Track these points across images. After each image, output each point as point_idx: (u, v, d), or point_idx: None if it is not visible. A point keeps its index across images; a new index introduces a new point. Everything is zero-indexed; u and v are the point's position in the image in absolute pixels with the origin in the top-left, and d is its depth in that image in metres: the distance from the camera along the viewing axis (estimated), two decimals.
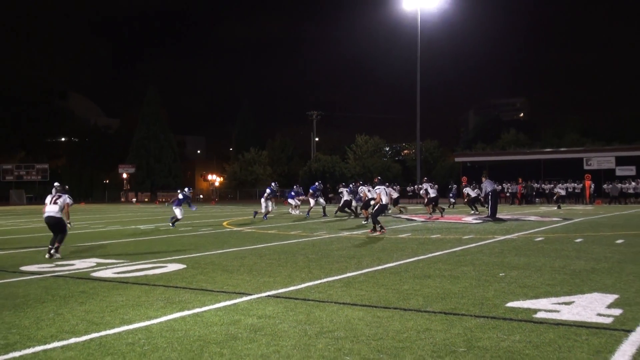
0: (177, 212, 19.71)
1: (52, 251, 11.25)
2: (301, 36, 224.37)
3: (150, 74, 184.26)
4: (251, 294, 7.23)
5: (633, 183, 42.38)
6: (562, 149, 56.83)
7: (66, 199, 11.74)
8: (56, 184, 12.53)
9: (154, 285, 8.00)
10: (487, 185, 22.28)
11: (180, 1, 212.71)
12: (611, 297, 6.68)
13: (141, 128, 79.90)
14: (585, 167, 50.31)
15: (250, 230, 18.16)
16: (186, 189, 27.61)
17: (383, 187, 16.81)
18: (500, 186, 26.14)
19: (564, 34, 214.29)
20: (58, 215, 11.55)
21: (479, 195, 27.61)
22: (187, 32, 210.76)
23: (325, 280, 8.25)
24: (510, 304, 6.39)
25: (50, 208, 11.62)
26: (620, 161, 51.45)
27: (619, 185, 42.12)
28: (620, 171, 49.64)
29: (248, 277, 8.53)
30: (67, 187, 12.52)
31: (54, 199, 11.71)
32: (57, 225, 11.52)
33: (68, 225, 11.85)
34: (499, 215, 21.98)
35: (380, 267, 9.38)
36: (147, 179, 77.24)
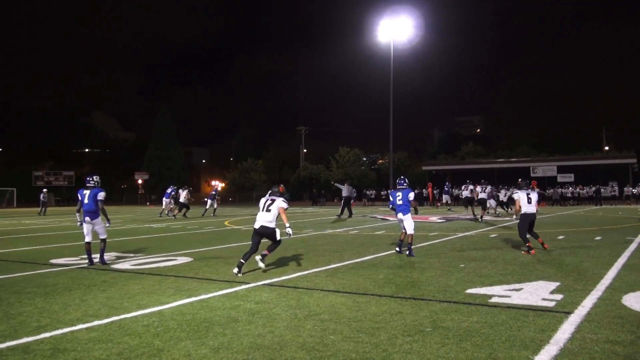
0: (164, 202, 19.49)
1: (257, 259, 8.34)
2: (293, 63, 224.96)
3: (163, 95, 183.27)
4: (249, 283, 7.21)
5: (570, 188, 42.81)
6: (513, 159, 57.29)
7: (281, 203, 8.53)
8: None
9: (165, 275, 7.96)
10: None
11: (193, 39, 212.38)
12: (554, 285, 6.74)
13: (154, 141, 79.56)
14: (532, 175, 50.80)
15: (248, 228, 18.09)
16: (169, 188, 27.56)
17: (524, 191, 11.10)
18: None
19: (515, 59, 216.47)
20: (272, 225, 8.45)
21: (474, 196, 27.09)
22: (198, 61, 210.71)
23: (312, 270, 8.24)
24: (469, 291, 6.43)
25: (263, 216, 8.47)
26: (561, 170, 52.05)
27: (560, 190, 42.55)
28: (561, 178, 50.22)
29: (246, 268, 8.50)
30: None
31: (267, 204, 8.55)
32: (270, 235, 8.48)
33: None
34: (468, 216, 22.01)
35: (359, 260, 9.39)
36: (159, 184, 76.68)
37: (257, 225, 8.45)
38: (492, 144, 77.92)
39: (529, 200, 10.67)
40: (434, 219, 21.81)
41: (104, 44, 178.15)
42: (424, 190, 45.55)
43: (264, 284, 7.12)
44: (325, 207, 41.40)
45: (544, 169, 52.09)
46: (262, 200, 8.69)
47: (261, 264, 8.25)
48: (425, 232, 14.91)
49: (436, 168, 60.12)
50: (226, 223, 21.04)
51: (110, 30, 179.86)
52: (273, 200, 8.55)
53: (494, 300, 5.91)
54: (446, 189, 33.68)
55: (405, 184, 10.43)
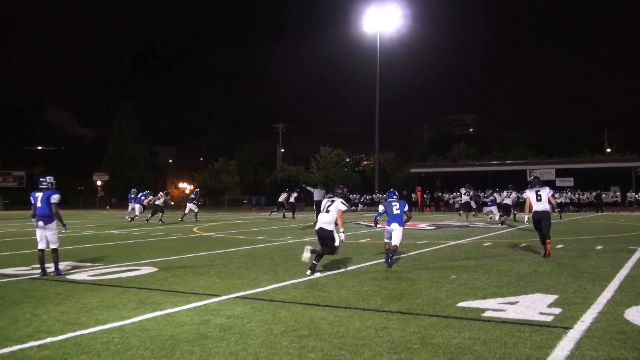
0: (136, 208, 19.62)
1: (311, 264, 8.90)
2: (270, 56, 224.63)
3: (126, 88, 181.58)
4: (220, 295, 7.17)
5: (569, 193, 43.39)
6: (508, 162, 57.93)
7: (340, 204, 9.01)
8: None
9: (127, 287, 7.88)
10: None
11: (159, 25, 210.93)
12: (552, 297, 6.82)
13: (115, 138, 78.80)
14: (529, 179, 51.35)
15: (219, 235, 18.02)
16: (132, 191, 27.64)
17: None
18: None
19: (512, 57, 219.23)
20: (330, 227, 8.96)
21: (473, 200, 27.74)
22: (165, 52, 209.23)
23: (290, 282, 8.23)
24: (460, 304, 6.47)
25: (323, 217, 9.04)
26: (559, 173, 52.75)
27: (558, 195, 43.08)
28: (560, 182, 50.87)
29: (217, 280, 8.47)
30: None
31: (327, 205, 9.09)
32: (329, 238, 8.98)
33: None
34: (454, 222, 22.23)
35: (341, 270, 9.39)
36: (120, 186, 75.93)
37: (317, 227, 9.19)
38: (486, 145, 78.77)
39: (538, 198, 11.13)
40: (423, 225, 21.97)
41: (61, 33, 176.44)
42: (412, 194, 45.87)
43: (236, 297, 7.09)
44: (304, 212, 41.37)
45: (542, 172, 52.70)
46: (324, 201, 9.34)
47: (307, 255, 8.85)
48: (413, 240, 14.99)
49: (425, 170, 60.57)
50: (195, 229, 20.92)
51: (67, 17, 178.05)
52: (333, 201, 9.13)
53: (487, 314, 5.96)
54: (465, 192, 29.23)
55: (395, 197, 10.61)
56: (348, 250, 12.74)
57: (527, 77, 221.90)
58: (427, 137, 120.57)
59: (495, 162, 58.84)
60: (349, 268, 9.67)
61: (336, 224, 9.00)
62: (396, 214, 10.21)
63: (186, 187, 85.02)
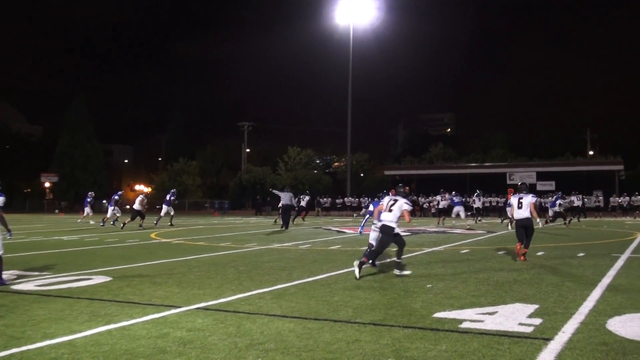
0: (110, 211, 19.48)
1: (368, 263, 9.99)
2: (236, 49, 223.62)
3: (78, 82, 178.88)
4: (180, 307, 7.12)
5: (551, 197, 44.10)
6: (487, 164, 58.76)
7: (405, 205, 10.08)
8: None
9: (78, 298, 7.76)
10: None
11: (113, 13, 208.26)
12: (532, 307, 6.93)
13: (65, 136, 77.47)
14: (509, 182, 52.09)
15: (179, 241, 17.88)
16: (90, 194, 27.57)
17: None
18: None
19: (493, 55, 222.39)
20: (393, 224, 10.02)
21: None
22: (121, 43, 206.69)
23: (255, 292, 8.21)
24: (437, 315, 6.54)
25: (386, 216, 10.07)
26: (540, 176, 53.64)
27: (539, 199, 43.77)
28: (540, 186, 51.68)
29: (177, 289, 8.40)
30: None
31: (390, 204, 10.09)
32: (392, 235, 10.11)
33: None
34: (433, 228, 22.45)
35: (310, 279, 9.41)
36: (71, 188, 74.77)
37: (379, 225, 10.23)
38: (464, 146, 79.83)
39: (519, 205, 12.13)
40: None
41: (4, 19, 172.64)
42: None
43: (197, 308, 7.04)
44: (271, 217, 41.29)
45: (522, 175, 53.55)
46: (386, 199, 10.32)
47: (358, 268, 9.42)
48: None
49: (400, 173, 61.02)
50: (153, 235, 20.71)
51: (12, 2, 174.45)
52: (396, 201, 10.11)
53: (464, 325, 6.03)
54: (442, 197, 29.86)
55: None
56: (318, 258, 12.76)
57: (507, 76, 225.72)
58: (402, 137, 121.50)
59: (473, 164, 59.62)
60: (319, 277, 9.69)
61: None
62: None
63: (143, 189, 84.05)
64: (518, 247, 11.96)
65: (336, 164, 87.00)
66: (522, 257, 11.80)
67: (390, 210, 10.01)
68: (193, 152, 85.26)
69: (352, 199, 52.03)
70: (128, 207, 26.94)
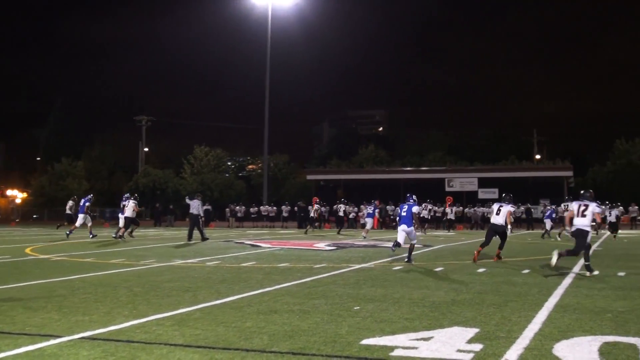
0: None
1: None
2: (132, 31, 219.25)
3: None
4: (61, 336, 6.91)
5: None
6: (424, 168, 60.06)
7: (596, 208, 12.88)
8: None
9: None
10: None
11: None
12: (472, 331, 7.11)
13: None
14: (447, 189, 53.32)
15: (60, 257, 17.36)
16: (88, 197, 27.73)
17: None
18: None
19: (431, 46, 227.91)
20: (587, 228, 12.77)
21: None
22: None
23: (153, 317, 8.07)
24: (365, 341, 6.60)
25: (580, 221, 12.71)
26: (482, 183, 55.13)
27: (481, 209, 44.96)
28: (482, 194, 53.16)
29: (57, 316, 8.15)
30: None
31: (582, 210, 12.79)
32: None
33: None
34: (360, 241, 22.67)
35: (219, 302, 9.33)
36: None
37: (573, 229, 12.88)
38: (398, 147, 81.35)
39: (498, 212, 15.77)
40: (321, 245, 22.25)
41: None
42: (309, 206, 46.29)
43: (82, 337, 6.85)
44: (173, 229, 40.73)
45: (462, 181, 54.99)
46: (574, 205, 12.91)
47: (554, 259, 12.48)
48: (309, 264, 15.15)
49: (326, 178, 61.54)
50: (28, 251, 20.03)
51: None
52: (587, 206, 12.56)
53: (396, 353, 6.11)
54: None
55: (412, 201, 15.42)
56: (227, 276, 12.69)
57: (447, 70, 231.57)
58: (327, 136, 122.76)
59: (409, 168, 60.80)
60: (229, 299, 9.63)
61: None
62: (404, 216, 15.12)
63: (17, 195, 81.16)
64: (476, 251, 15.59)
65: (251, 166, 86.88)
66: (497, 257, 15.89)
67: (583, 216, 12.56)
68: (79, 151, 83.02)
69: (270, 208, 51.89)
70: (120, 215, 27.01)
